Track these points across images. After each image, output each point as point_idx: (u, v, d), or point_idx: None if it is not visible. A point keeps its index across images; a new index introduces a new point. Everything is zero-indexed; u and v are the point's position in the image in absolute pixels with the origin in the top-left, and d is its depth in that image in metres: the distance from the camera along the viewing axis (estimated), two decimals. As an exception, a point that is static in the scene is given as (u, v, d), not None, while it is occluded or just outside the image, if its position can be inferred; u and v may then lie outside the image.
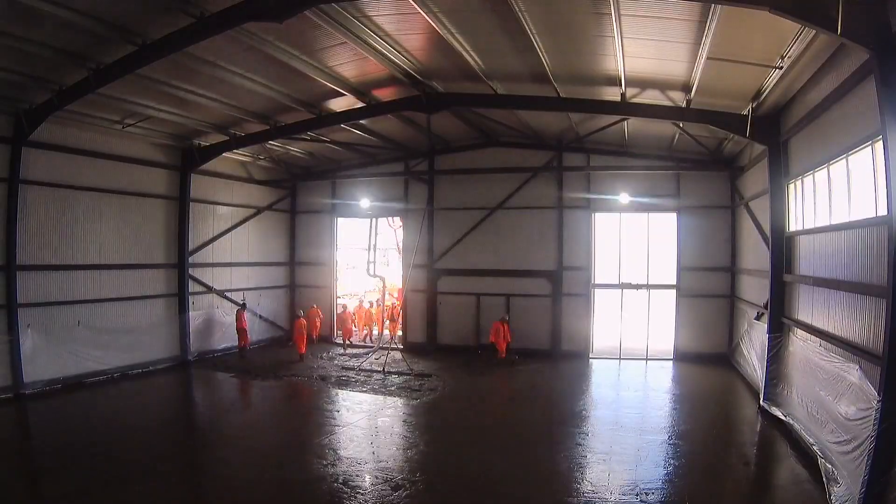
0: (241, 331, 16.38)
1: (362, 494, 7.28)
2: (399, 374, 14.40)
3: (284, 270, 19.67)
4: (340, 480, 7.71)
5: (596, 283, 16.93)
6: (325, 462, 8.43)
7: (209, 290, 16.38)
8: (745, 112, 10.61)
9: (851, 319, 7.41)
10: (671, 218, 16.38)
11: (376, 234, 18.40)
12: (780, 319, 10.65)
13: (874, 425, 6.12)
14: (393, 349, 16.32)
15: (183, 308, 15.31)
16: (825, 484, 7.21)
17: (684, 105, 11.14)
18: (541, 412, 11.27)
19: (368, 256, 17.47)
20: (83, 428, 9.83)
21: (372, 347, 16.15)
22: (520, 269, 17.20)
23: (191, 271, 15.58)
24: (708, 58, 8.46)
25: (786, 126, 10.24)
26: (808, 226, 9.47)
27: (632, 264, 16.86)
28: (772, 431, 9.90)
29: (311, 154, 17.99)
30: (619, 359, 16.32)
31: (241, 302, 17.06)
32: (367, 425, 10.42)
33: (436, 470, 8.22)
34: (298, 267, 19.89)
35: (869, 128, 6.71)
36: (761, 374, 11.27)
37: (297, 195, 19.81)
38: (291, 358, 16.16)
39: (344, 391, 13.00)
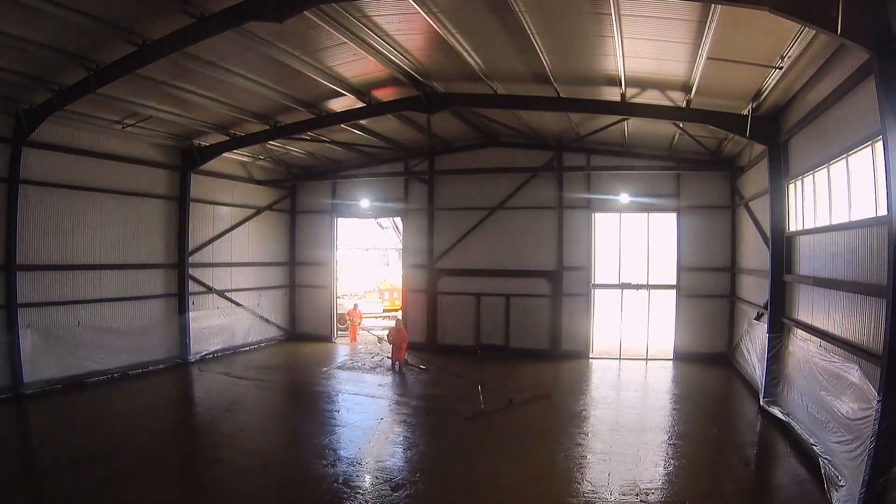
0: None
1: (362, 494, 7.28)
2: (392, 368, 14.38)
3: (284, 270, 19.66)
4: (340, 480, 7.71)
5: (596, 283, 16.92)
6: (325, 462, 8.44)
7: (209, 290, 16.37)
8: (744, 112, 10.61)
9: (851, 319, 7.41)
10: (671, 218, 16.37)
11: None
12: (780, 319, 10.65)
13: (874, 425, 6.12)
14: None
15: (183, 308, 15.30)
16: (825, 484, 7.22)
17: (684, 105, 11.14)
18: (541, 412, 11.26)
19: None
20: (83, 428, 9.82)
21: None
22: (520, 269, 17.20)
23: (191, 271, 15.58)
24: (708, 58, 8.45)
25: (786, 126, 10.23)
26: (808, 226, 9.47)
27: (632, 264, 16.86)
28: (772, 431, 9.90)
29: (311, 154, 17.99)
30: (619, 359, 16.31)
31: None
32: (367, 425, 10.41)
33: (436, 470, 8.23)
34: (298, 267, 19.87)
35: (869, 128, 6.71)
36: (761, 374, 11.27)
37: (297, 195, 19.80)
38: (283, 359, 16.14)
39: (344, 391, 13.01)
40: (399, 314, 18.66)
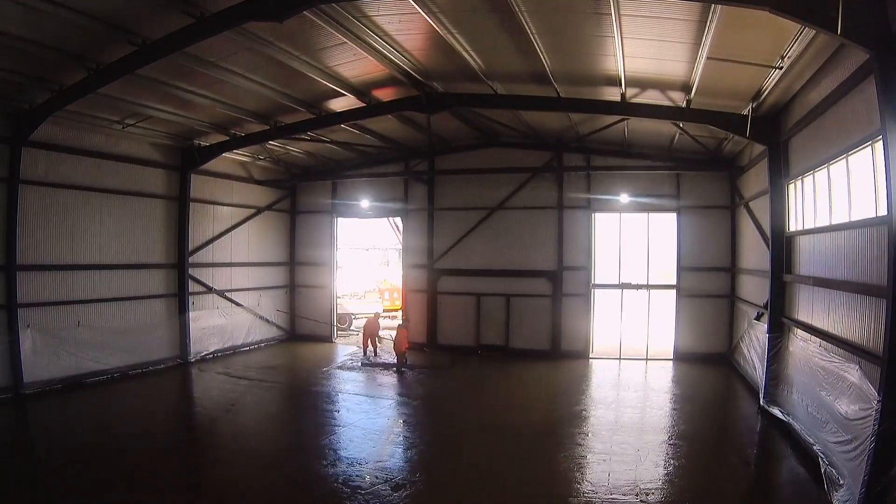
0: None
1: (362, 494, 7.28)
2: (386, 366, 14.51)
3: (284, 270, 19.66)
4: (340, 480, 7.71)
5: (596, 283, 16.92)
6: (325, 462, 8.44)
7: (209, 290, 16.37)
8: (745, 112, 10.60)
9: (851, 319, 7.41)
10: (671, 218, 16.37)
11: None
12: (780, 319, 10.64)
13: (874, 425, 6.12)
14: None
15: (183, 308, 15.30)
16: (825, 484, 7.22)
17: (684, 105, 11.13)
18: (541, 412, 11.25)
19: None
20: (83, 428, 9.83)
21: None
22: (520, 269, 17.20)
23: (191, 271, 15.57)
24: (708, 58, 8.45)
25: (786, 126, 10.23)
26: (809, 226, 9.47)
27: (632, 264, 16.86)
28: (772, 431, 9.91)
29: (311, 154, 17.98)
30: (619, 359, 16.31)
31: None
32: (366, 425, 10.41)
33: (436, 470, 8.23)
34: (298, 267, 19.87)
35: (869, 128, 6.71)
36: (761, 374, 11.26)
37: (297, 195, 19.80)
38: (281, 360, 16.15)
39: (344, 391, 13.01)
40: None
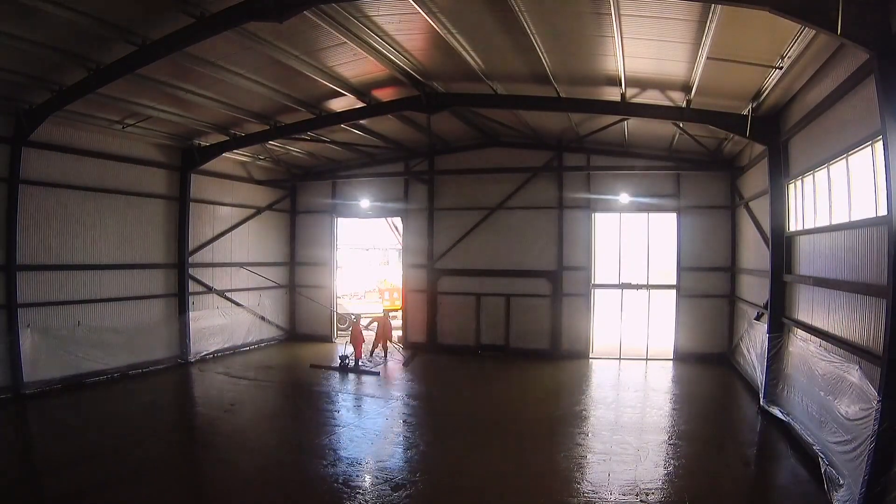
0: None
1: (362, 494, 7.29)
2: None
3: (284, 270, 19.66)
4: (340, 480, 7.72)
5: (596, 283, 16.92)
6: (325, 462, 8.44)
7: (209, 290, 16.38)
8: (744, 112, 10.61)
9: (851, 319, 7.41)
10: (671, 218, 16.38)
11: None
12: (780, 319, 10.65)
13: (874, 425, 6.12)
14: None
15: (183, 308, 15.31)
16: (825, 484, 7.22)
17: (684, 105, 11.14)
18: (541, 412, 11.26)
19: None
20: (83, 428, 9.82)
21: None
22: (520, 269, 17.20)
23: (191, 271, 15.58)
24: (708, 58, 8.46)
25: (786, 126, 10.24)
26: (809, 226, 9.47)
27: (632, 264, 16.86)
28: (772, 431, 9.91)
29: (311, 154, 17.99)
30: (619, 359, 16.32)
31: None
32: (366, 425, 10.42)
33: (436, 470, 8.23)
34: (298, 267, 19.87)
35: (869, 128, 6.71)
36: (761, 375, 11.27)
37: (297, 195, 19.80)
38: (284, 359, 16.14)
39: (344, 391, 13.02)
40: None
